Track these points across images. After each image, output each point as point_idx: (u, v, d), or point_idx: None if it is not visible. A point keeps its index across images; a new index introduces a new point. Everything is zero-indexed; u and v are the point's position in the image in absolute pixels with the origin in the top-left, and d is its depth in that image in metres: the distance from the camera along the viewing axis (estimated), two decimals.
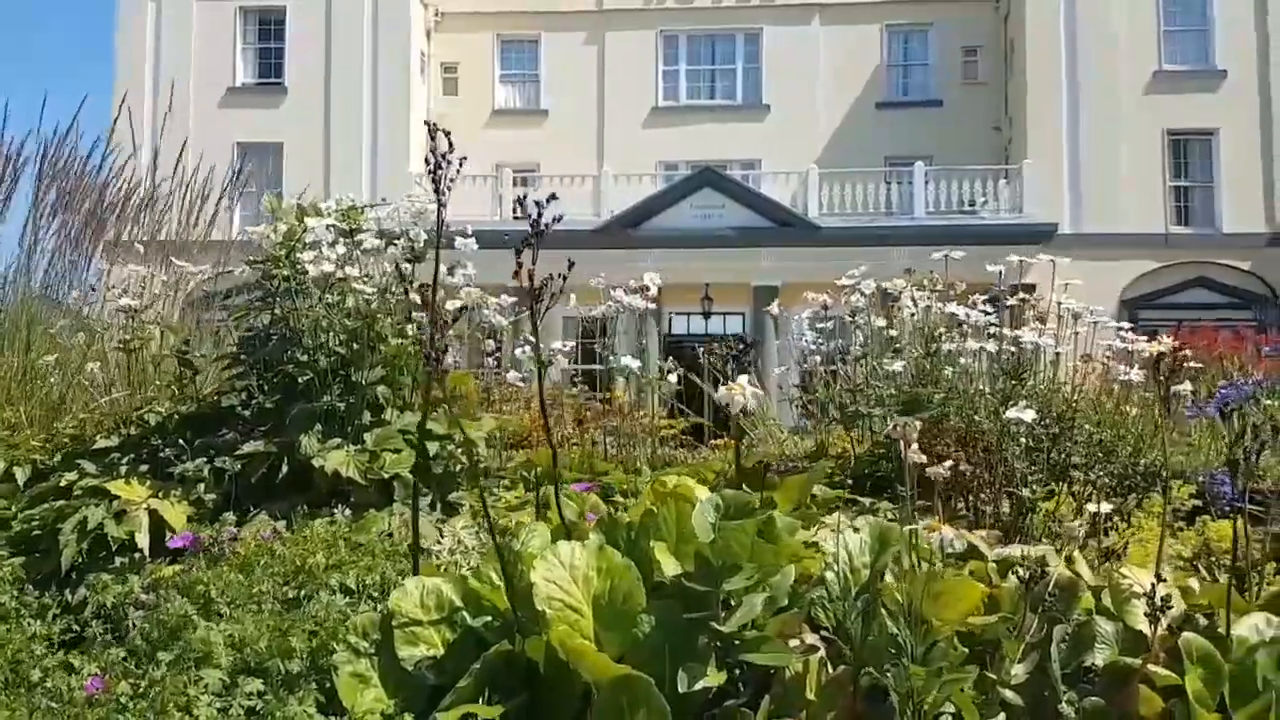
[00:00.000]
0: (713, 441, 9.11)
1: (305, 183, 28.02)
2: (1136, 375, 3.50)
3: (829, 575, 2.36)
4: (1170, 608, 2.10)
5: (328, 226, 3.37)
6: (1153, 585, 2.12)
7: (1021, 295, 5.12)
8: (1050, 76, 26.66)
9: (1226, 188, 26.30)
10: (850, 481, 3.77)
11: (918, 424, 2.66)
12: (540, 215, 2.85)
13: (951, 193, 24.65)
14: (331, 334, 3.31)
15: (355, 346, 3.34)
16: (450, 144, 2.85)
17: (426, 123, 2.58)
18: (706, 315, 26.60)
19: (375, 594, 2.69)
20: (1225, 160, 26.34)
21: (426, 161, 2.64)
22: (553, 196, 2.88)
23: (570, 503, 3.24)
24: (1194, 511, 4.58)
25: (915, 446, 2.71)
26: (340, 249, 3.38)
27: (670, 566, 2.36)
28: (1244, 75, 26.37)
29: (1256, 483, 4.99)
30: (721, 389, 2.39)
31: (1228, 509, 4.70)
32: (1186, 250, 26.15)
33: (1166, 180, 26.50)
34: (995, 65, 28.95)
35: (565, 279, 3.08)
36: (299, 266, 3.37)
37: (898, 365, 3.50)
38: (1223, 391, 5.36)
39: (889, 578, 2.32)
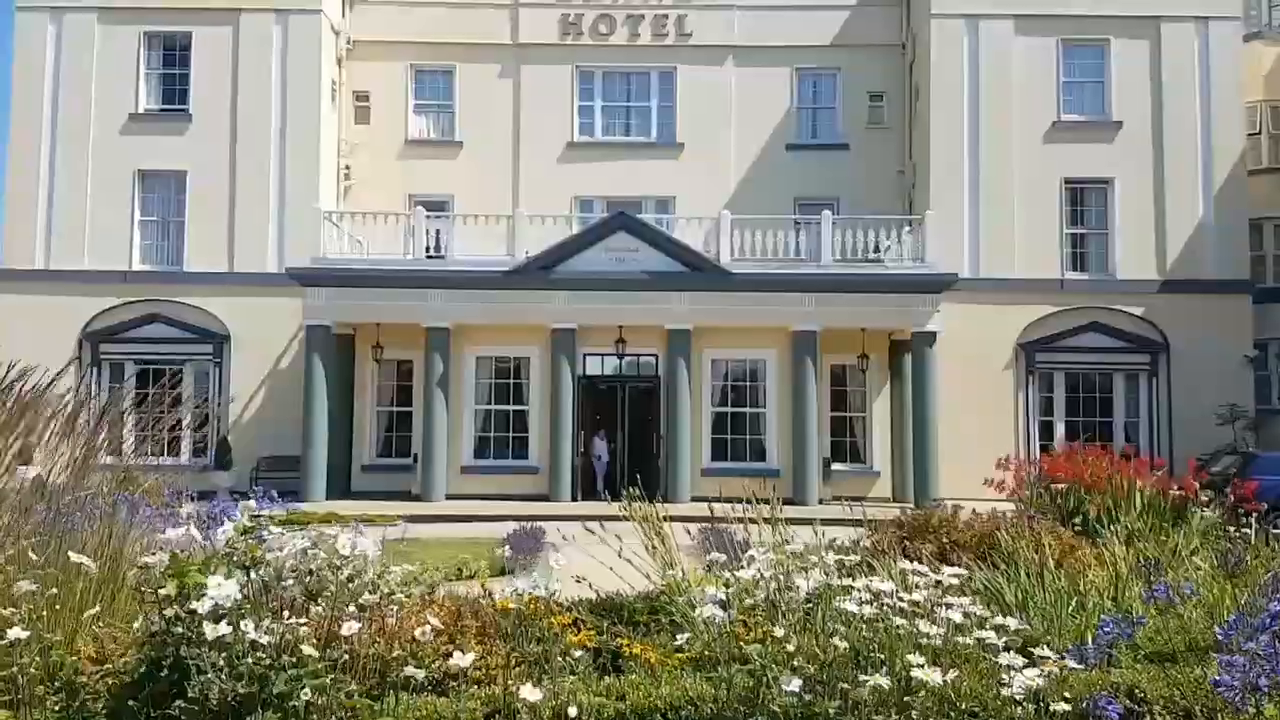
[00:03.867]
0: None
1: (209, 212, 27.84)
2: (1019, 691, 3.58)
3: None
4: None
5: (235, 597, 3.32)
6: None
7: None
8: (952, 123, 27.39)
9: (1121, 235, 27.31)
10: None
11: None
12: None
13: (858, 240, 25.15)
14: (225, 677, 3.31)
15: (249, 689, 3.34)
16: None
17: None
18: (620, 357, 27.08)
19: None
20: (1120, 208, 27.34)
21: None
22: None
23: None
24: None
25: None
26: (236, 593, 3.37)
27: None
28: (1139, 126, 27.41)
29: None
30: None
31: None
32: (1082, 296, 27.10)
33: (1063, 227, 27.42)
34: (900, 110, 29.63)
35: None
36: (195, 622, 3.35)
37: (795, 684, 3.58)
38: (1104, 630, 5.64)
39: None
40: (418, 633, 4.11)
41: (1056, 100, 27.58)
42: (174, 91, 28.52)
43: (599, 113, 30.05)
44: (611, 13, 29.95)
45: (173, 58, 28.51)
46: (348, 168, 29.80)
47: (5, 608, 3.73)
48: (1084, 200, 27.71)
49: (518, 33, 29.94)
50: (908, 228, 25.66)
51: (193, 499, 10.38)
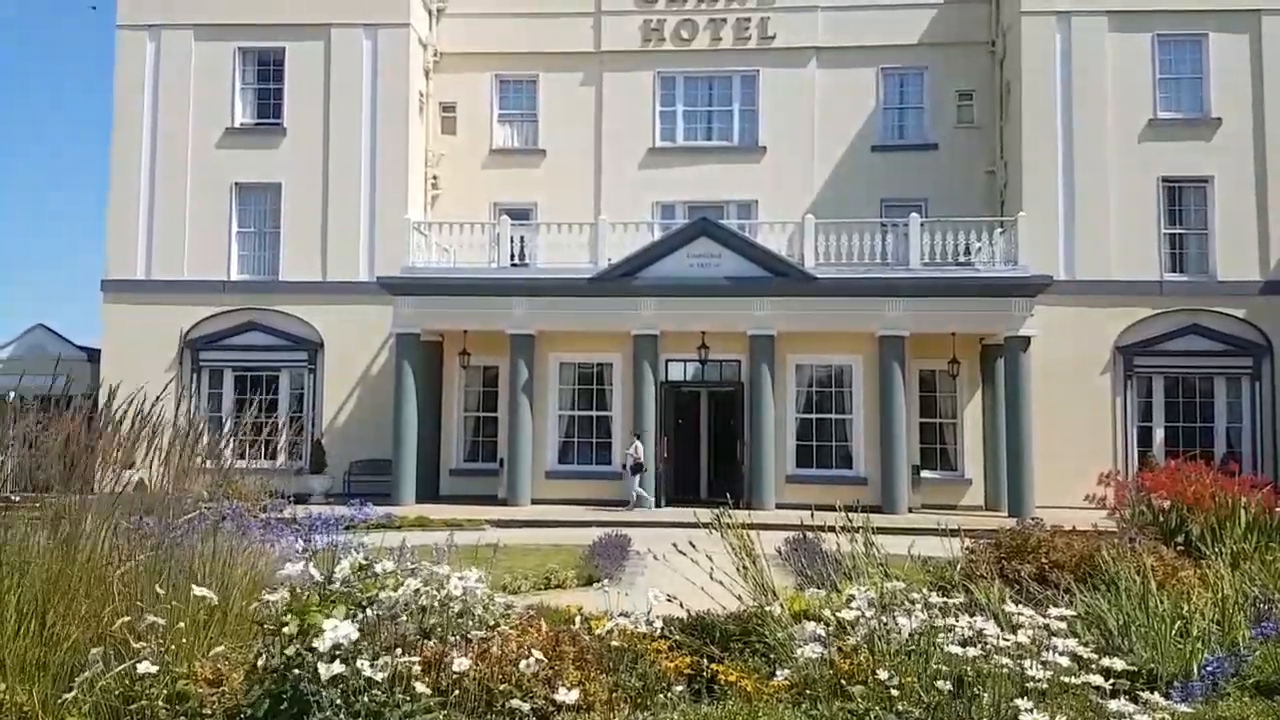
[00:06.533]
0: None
1: (303, 223, 28.62)
2: None
3: None
4: None
5: (353, 637, 3.42)
6: None
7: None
8: (1045, 122, 26.82)
9: (1221, 235, 26.47)
10: None
11: None
12: None
13: (947, 243, 24.75)
14: (343, 714, 3.42)
15: None
16: None
17: None
18: (703, 362, 27.07)
19: None
20: (1220, 207, 26.51)
21: None
22: None
23: None
24: None
25: None
26: (353, 633, 3.48)
27: None
28: (1239, 123, 26.54)
29: None
30: None
31: None
32: (1181, 298, 26.33)
33: (1161, 227, 26.66)
34: (990, 108, 29.09)
35: None
36: (314, 660, 3.47)
37: None
38: (1210, 666, 5.49)
39: None
40: (522, 665, 4.20)
41: (1152, 97, 26.84)
42: (268, 106, 29.30)
43: (680, 118, 30.08)
44: (693, 17, 29.96)
45: (267, 73, 29.29)
46: (435, 178, 30.31)
47: (135, 641, 3.92)
48: (1182, 199, 26.90)
49: (600, 40, 30.13)
50: (999, 229, 25.18)
51: (290, 501, 10.69)
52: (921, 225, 24.87)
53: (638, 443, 24.73)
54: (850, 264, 24.86)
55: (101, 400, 6.74)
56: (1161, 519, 10.62)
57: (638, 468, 24.47)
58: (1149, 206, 26.60)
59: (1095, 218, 26.52)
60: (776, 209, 28.07)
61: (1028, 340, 24.13)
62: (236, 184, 28.86)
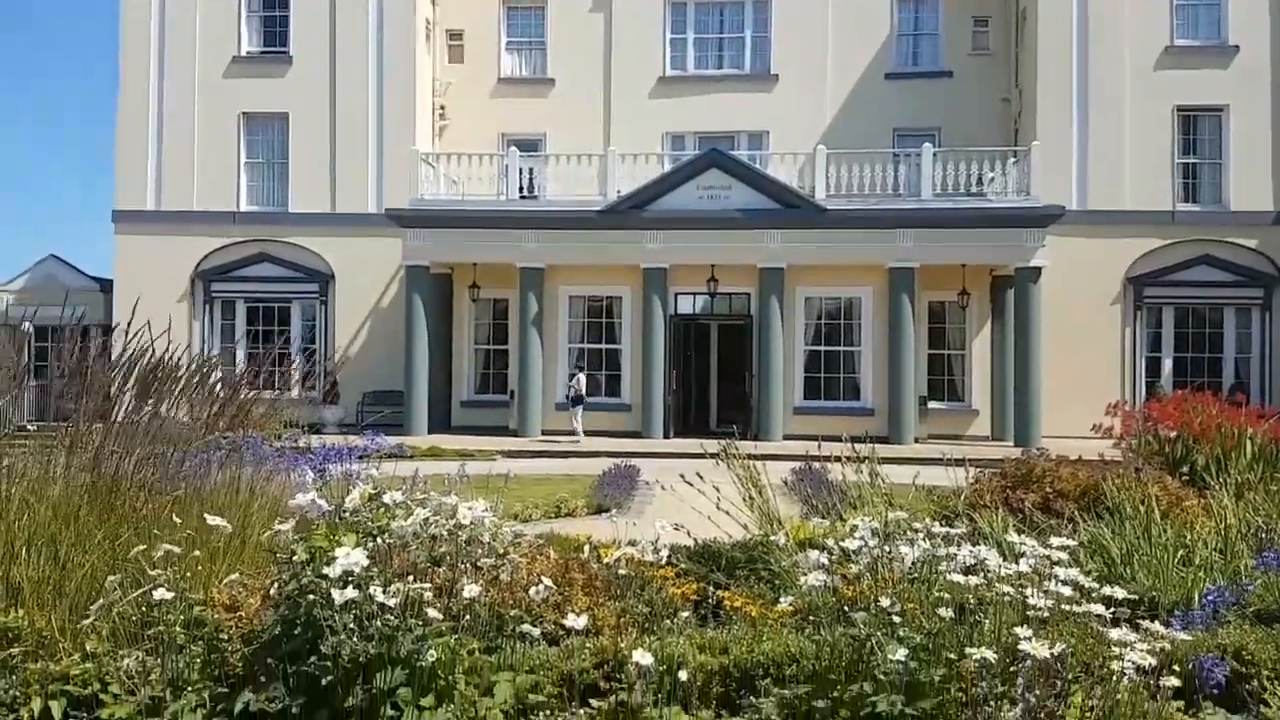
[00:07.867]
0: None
1: (311, 154, 28.29)
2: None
3: None
4: None
5: (363, 564, 3.48)
6: None
7: None
8: (1060, 50, 26.38)
9: (1235, 165, 26.17)
10: None
11: None
12: None
13: (960, 173, 24.52)
14: (356, 638, 3.51)
15: (379, 649, 3.54)
16: None
17: None
18: (712, 295, 26.94)
19: None
20: (1235, 137, 26.16)
21: None
22: None
23: None
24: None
25: None
26: (364, 560, 3.54)
27: None
28: (1256, 51, 26.08)
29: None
30: None
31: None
32: (1193, 228, 26.12)
33: (1175, 156, 26.35)
34: (1005, 35, 28.59)
35: None
36: (326, 587, 3.54)
37: (901, 654, 3.63)
38: (1210, 596, 5.56)
39: None
40: (532, 591, 4.29)
41: (1169, 24, 26.34)
42: (274, 34, 28.95)
43: (691, 45, 29.62)
44: None
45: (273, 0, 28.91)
46: (443, 108, 30.01)
47: (151, 569, 4.02)
48: (1196, 129, 26.55)
49: None
50: (1012, 159, 24.94)
51: (304, 431, 10.81)
52: (934, 155, 24.62)
53: (580, 375, 24.99)
54: (862, 195, 24.69)
55: (116, 333, 6.80)
56: (1167, 449, 10.69)
57: (578, 400, 24.68)
58: (1163, 135, 26.26)
59: (1109, 147, 26.21)
60: (788, 139, 27.76)
61: (1038, 271, 24.01)
62: (244, 114, 28.66)
